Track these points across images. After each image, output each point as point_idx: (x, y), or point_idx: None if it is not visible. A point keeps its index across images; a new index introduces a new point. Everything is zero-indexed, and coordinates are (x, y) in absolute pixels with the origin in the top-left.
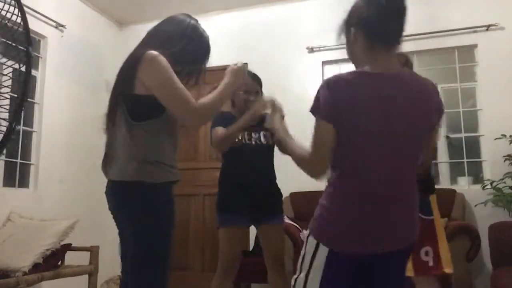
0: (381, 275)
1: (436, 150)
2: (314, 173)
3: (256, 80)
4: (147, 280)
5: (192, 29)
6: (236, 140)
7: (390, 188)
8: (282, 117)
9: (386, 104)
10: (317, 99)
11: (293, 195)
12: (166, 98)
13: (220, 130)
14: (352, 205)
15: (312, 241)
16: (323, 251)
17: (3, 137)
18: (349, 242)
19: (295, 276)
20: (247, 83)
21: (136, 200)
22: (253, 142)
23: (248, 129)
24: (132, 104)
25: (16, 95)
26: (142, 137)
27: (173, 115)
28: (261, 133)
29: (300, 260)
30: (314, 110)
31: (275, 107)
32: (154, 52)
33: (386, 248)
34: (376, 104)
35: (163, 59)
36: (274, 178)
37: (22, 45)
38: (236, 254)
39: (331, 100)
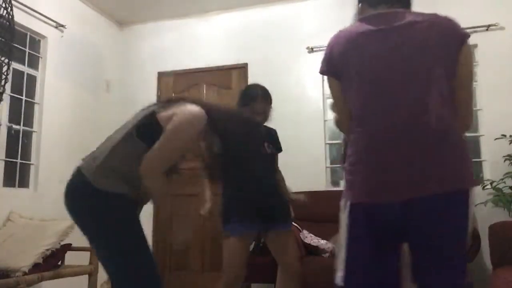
0: (416, 226)
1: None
2: (340, 128)
3: (266, 99)
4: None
5: (254, 140)
6: None
7: (394, 133)
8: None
9: (382, 37)
10: (323, 58)
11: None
12: (156, 147)
13: None
14: (360, 154)
15: (342, 202)
16: (347, 206)
17: None
18: (362, 193)
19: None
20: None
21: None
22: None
23: None
24: (146, 121)
25: None
26: (127, 151)
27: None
28: (265, 144)
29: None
30: (320, 69)
31: None
32: (196, 108)
33: (405, 196)
34: (369, 39)
35: (194, 119)
36: (282, 195)
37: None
38: (244, 265)
39: (329, 55)
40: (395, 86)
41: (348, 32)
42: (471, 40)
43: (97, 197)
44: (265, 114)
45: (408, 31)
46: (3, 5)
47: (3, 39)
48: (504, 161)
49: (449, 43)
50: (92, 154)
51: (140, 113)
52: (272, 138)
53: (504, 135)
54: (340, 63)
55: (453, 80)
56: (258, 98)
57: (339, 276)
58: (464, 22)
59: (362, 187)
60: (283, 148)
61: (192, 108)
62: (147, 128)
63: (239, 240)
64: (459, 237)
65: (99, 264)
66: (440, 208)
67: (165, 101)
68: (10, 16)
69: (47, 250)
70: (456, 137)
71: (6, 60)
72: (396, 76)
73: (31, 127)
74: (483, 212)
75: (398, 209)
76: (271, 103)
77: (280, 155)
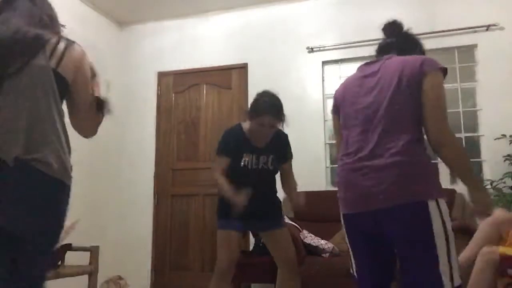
0: (385, 232)
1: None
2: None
3: (274, 115)
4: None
5: None
6: (242, 164)
7: (361, 155)
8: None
9: (361, 83)
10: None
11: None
12: (86, 99)
13: (219, 171)
14: (339, 172)
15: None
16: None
17: None
18: (342, 204)
19: None
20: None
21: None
22: (260, 166)
23: (256, 151)
24: (59, 81)
25: None
26: (63, 123)
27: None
28: (270, 157)
29: None
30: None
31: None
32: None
33: (364, 208)
34: (353, 85)
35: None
36: (276, 199)
37: None
38: (233, 259)
39: (334, 95)
40: (364, 123)
41: (347, 78)
42: (471, 40)
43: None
44: (274, 127)
45: (381, 74)
46: None
47: None
48: (504, 161)
49: (414, 77)
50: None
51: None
52: (278, 148)
53: (504, 135)
54: (336, 103)
55: (419, 109)
56: (265, 114)
57: (353, 268)
58: (464, 22)
59: (340, 199)
60: None
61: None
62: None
63: (227, 233)
64: (423, 240)
65: (99, 264)
66: (402, 217)
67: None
68: None
69: None
70: (415, 160)
71: None
72: (364, 114)
73: None
74: None
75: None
76: (280, 116)
77: None
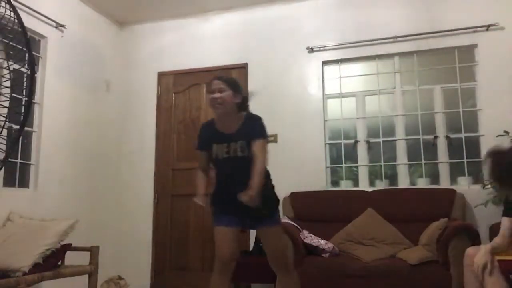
0: None
1: None
2: None
3: (219, 79)
4: None
5: None
6: (214, 155)
7: None
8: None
9: None
10: None
11: (293, 195)
12: None
13: (200, 167)
14: None
15: None
16: None
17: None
18: None
19: None
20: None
21: None
22: (231, 155)
23: (226, 139)
24: None
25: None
26: None
27: None
28: (239, 144)
29: None
30: None
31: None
32: None
33: None
34: None
35: None
36: (265, 192)
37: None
38: (229, 254)
39: None
40: None
41: None
42: (471, 40)
43: None
44: (222, 91)
45: None
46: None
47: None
48: None
49: None
50: None
51: None
52: (249, 132)
53: (507, 132)
54: None
55: None
56: (213, 80)
57: None
58: (464, 22)
59: None
60: (282, 147)
61: None
62: None
63: (216, 230)
64: None
65: (99, 264)
66: None
67: None
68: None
69: (47, 250)
70: None
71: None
72: None
73: (31, 127)
74: (484, 213)
75: None
76: (229, 82)
77: (280, 155)
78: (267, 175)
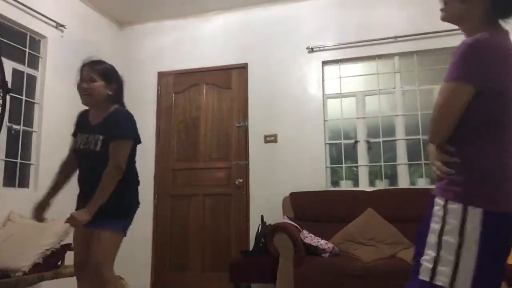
0: None
1: None
2: (435, 138)
3: (90, 66)
4: None
5: None
6: (76, 144)
7: None
8: None
9: None
10: (459, 64)
11: (293, 195)
12: None
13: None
14: (504, 162)
15: (456, 208)
16: (475, 214)
17: None
18: (507, 200)
19: (421, 258)
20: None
21: None
22: (87, 147)
23: (88, 129)
24: None
25: None
26: None
27: None
28: (96, 137)
29: (430, 237)
30: (459, 75)
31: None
32: None
33: None
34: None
35: None
36: (113, 195)
37: None
38: (77, 258)
39: (477, 63)
40: None
41: (498, 43)
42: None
43: None
44: (92, 81)
45: None
46: None
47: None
48: None
49: None
50: None
51: None
52: (109, 128)
53: None
54: (490, 75)
55: None
56: (82, 65)
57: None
58: None
59: (504, 193)
60: (282, 147)
61: None
62: None
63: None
64: None
65: None
66: None
67: None
68: None
69: (47, 250)
70: None
71: None
72: None
73: (31, 127)
74: None
75: None
76: (99, 69)
77: (280, 155)
78: (127, 180)
